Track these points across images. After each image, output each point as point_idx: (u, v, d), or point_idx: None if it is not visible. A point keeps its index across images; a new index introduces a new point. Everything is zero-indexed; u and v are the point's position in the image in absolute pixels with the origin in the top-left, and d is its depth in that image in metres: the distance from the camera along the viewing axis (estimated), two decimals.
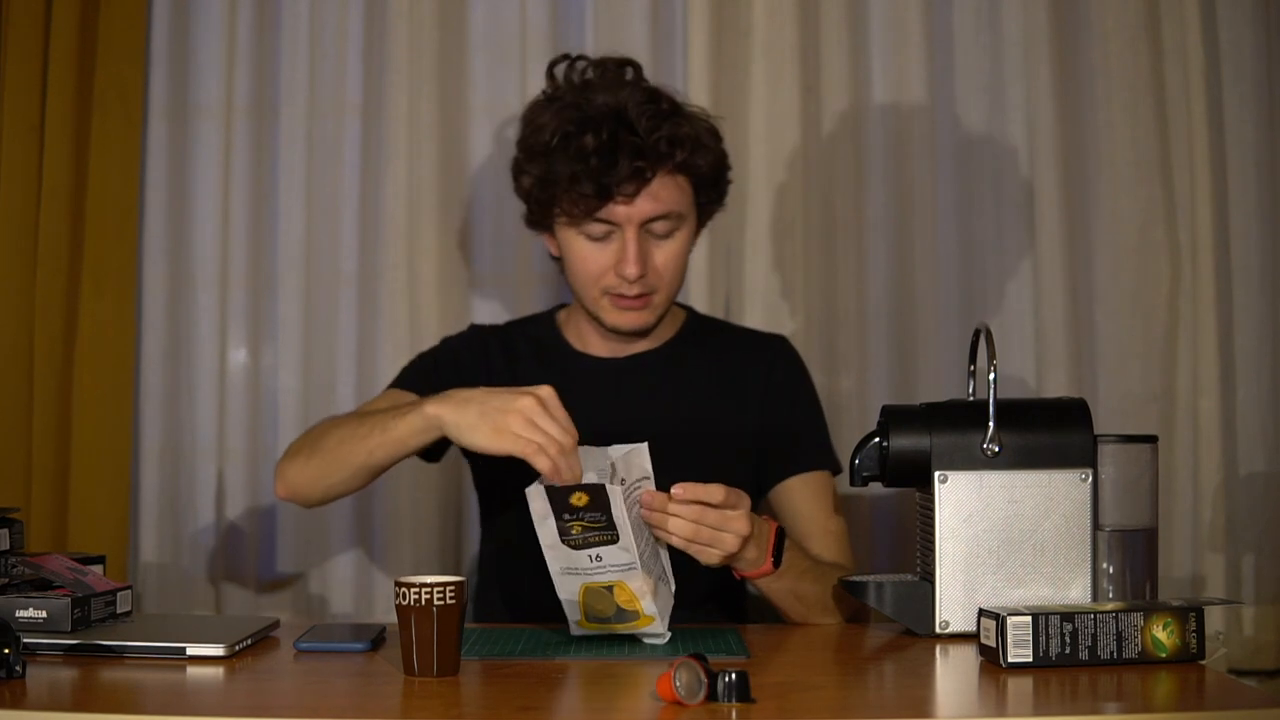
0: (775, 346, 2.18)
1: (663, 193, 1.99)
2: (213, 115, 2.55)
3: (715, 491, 1.73)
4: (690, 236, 2.06)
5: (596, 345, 2.13)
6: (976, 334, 1.87)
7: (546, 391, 1.74)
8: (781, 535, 1.85)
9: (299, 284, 2.54)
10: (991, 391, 1.79)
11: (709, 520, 1.73)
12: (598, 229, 2.00)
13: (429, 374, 2.12)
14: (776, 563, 1.84)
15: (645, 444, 1.76)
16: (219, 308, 2.54)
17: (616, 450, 1.75)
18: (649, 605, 1.72)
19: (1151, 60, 2.49)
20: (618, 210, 1.98)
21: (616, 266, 2.00)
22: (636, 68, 2.06)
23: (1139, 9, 2.48)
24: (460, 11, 2.54)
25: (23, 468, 2.46)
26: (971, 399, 1.89)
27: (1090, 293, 2.51)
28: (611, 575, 1.70)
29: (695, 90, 2.48)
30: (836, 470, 2.13)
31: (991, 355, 1.80)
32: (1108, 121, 2.50)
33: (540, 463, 1.70)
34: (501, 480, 2.12)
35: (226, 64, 2.53)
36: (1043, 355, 2.49)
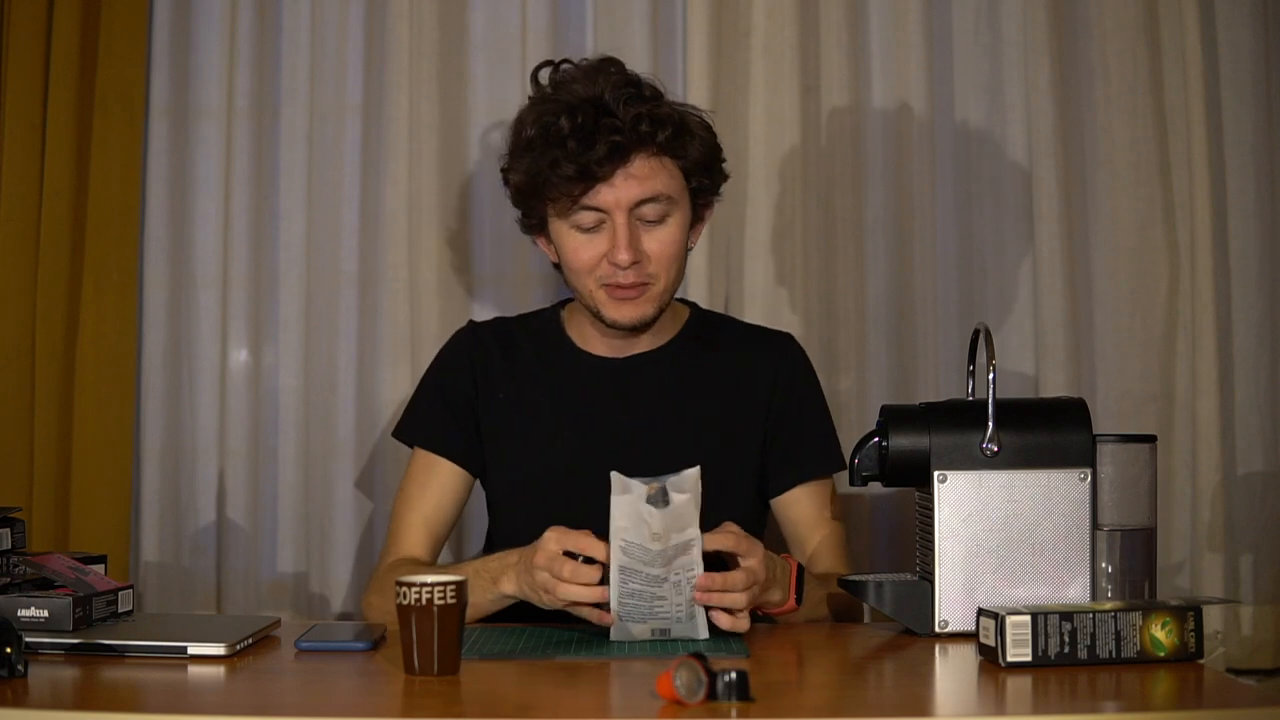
0: (782, 344, 2.16)
1: (648, 175, 1.97)
2: (214, 116, 2.55)
3: (735, 578, 1.75)
4: (684, 224, 2.03)
5: (598, 344, 2.12)
6: (976, 334, 1.87)
7: (550, 549, 1.77)
8: (801, 572, 1.86)
9: (299, 284, 2.54)
10: (991, 391, 1.80)
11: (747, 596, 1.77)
12: (588, 218, 1.99)
13: (441, 402, 2.14)
14: (799, 599, 1.85)
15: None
16: (220, 308, 2.54)
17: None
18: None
19: (1150, 61, 2.49)
20: (604, 195, 1.97)
21: (609, 254, 1.98)
22: (618, 63, 2.05)
23: (1138, 10, 2.49)
24: (460, 12, 2.54)
25: (24, 467, 2.46)
26: (971, 399, 1.89)
27: (1089, 293, 2.51)
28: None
29: (695, 90, 2.48)
30: (841, 467, 2.12)
31: (991, 355, 1.80)
32: (1106, 122, 2.50)
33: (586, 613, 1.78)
34: (512, 482, 2.12)
35: (227, 65, 2.54)
36: (1042, 355, 2.49)
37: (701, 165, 2.03)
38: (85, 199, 2.49)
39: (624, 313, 2.02)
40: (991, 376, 1.80)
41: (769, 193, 2.51)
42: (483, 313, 2.53)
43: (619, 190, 1.96)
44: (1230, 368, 2.49)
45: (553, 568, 1.75)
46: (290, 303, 2.55)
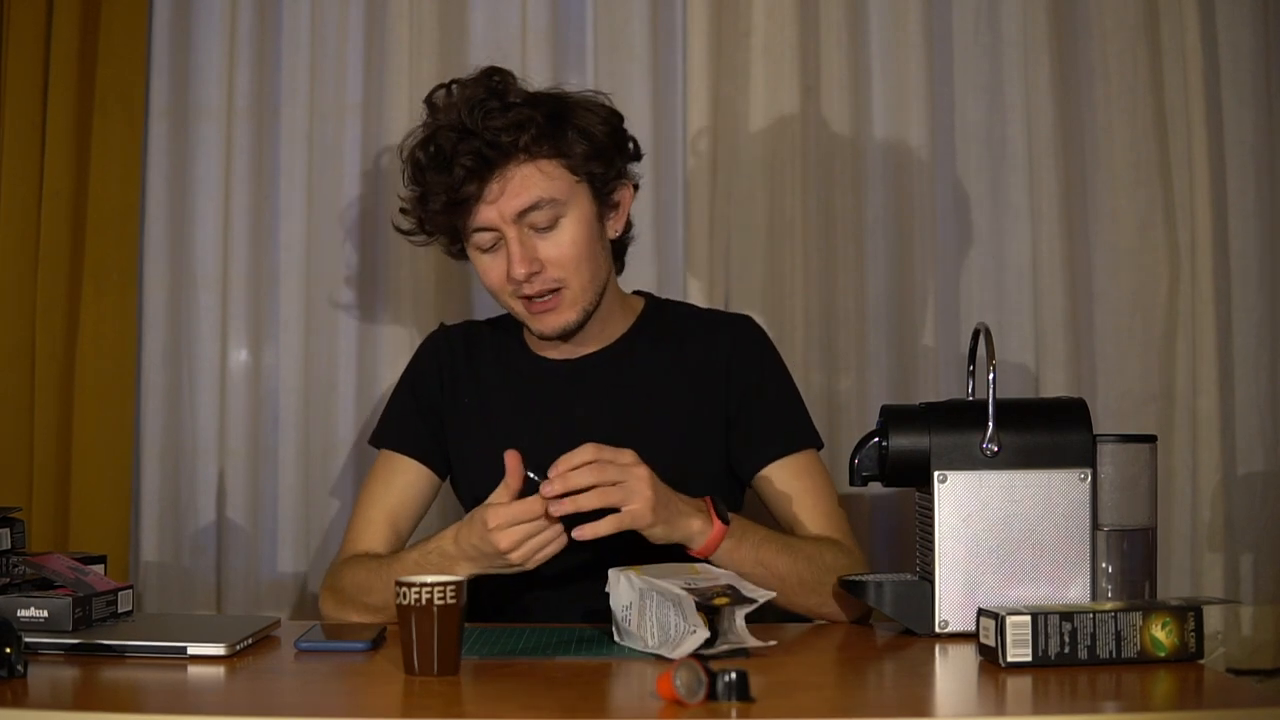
0: (737, 327, 2.12)
1: (523, 184, 1.94)
2: (213, 116, 2.55)
3: (582, 453, 1.76)
4: (583, 219, 1.98)
5: (549, 349, 2.09)
6: (976, 334, 1.87)
7: (509, 534, 1.77)
8: (717, 500, 1.85)
9: (299, 284, 2.54)
10: (991, 391, 1.80)
11: (607, 476, 1.76)
12: (484, 239, 1.97)
13: (409, 405, 2.13)
14: (724, 519, 1.82)
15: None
16: (220, 307, 2.54)
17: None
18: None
19: (1150, 61, 2.49)
20: (484, 214, 1.94)
21: (508, 271, 1.96)
22: (492, 76, 2.00)
23: (1138, 9, 2.49)
24: (460, 12, 2.55)
25: (24, 467, 2.46)
26: (971, 399, 1.89)
27: (1090, 293, 2.51)
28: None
29: (695, 90, 2.48)
30: (817, 446, 2.08)
31: (991, 355, 1.80)
32: (1106, 122, 2.50)
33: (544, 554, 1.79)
34: (475, 484, 2.10)
35: (227, 65, 2.54)
36: (1042, 355, 2.49)
37: (590, 155, 1.98)
38: (85, 199, 2.49)
39: (547, 323, 2.00)
40: (991, 376, 1.80)
41: (768, 193, 2.51)
42: (483, 312, 2.53)
43: (497, 205, 1.94)
44: (1230, 368, 2.49)
45: (524, 538, 1.76)
46: (290, 303, 2.55)
